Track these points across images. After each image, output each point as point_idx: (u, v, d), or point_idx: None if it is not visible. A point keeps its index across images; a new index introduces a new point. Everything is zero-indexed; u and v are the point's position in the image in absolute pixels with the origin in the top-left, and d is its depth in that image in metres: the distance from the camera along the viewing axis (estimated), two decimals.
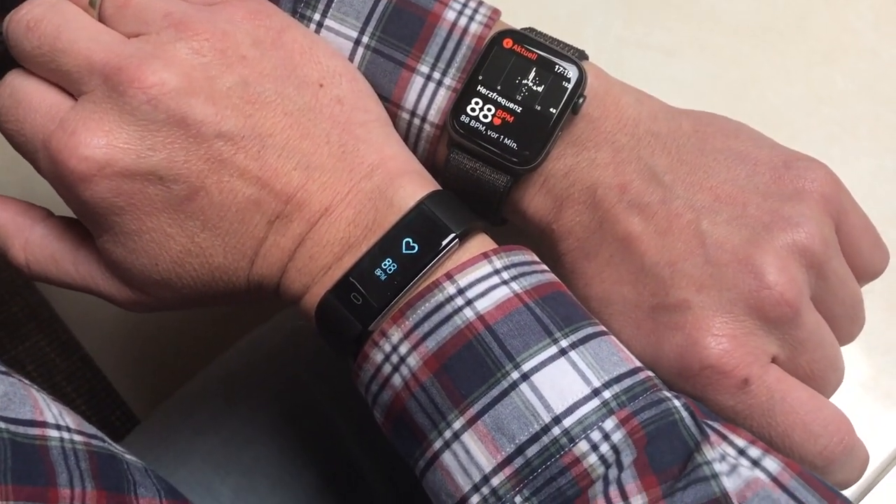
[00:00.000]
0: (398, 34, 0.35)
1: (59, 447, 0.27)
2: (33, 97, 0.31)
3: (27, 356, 0.63)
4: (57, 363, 0.63)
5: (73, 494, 0.26)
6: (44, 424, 0.27)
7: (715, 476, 0.26)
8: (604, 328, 0.30)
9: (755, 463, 0.27)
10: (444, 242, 0.30)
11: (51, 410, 0.28)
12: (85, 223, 0.33)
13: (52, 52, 0.31)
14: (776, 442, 0.31)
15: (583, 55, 0.36)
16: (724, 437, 0.28)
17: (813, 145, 0.37)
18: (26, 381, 0.28)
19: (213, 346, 0.53)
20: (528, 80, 0.34)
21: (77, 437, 0.28)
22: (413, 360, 0.29)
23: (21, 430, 0.26)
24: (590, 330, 0.29)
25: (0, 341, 0.63)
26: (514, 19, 0.37)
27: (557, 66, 0.34)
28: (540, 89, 0.34)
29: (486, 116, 0.34)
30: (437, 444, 0.29)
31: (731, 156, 0.33)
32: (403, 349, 0.29)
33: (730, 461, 0.27)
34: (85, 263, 0.34)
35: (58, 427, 0.28)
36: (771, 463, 0.27)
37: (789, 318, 0.31)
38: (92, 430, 0.29)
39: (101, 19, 0.32)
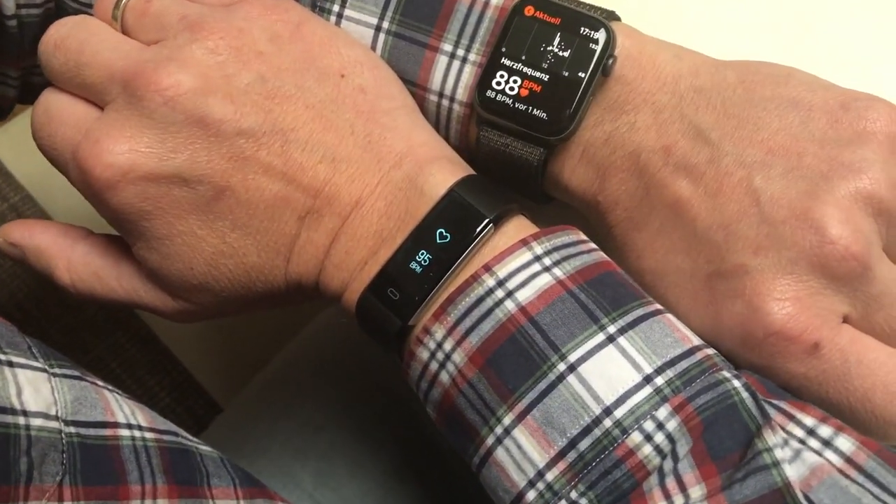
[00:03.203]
0: (418, 15, 0.34)
1: (130, 445, 0.27)
2: (63, 111, 0.32)
3: (109, 354, 0.65)
4: (138, 358, 0.65)
5: (144, 490, 0.27)
6: (115, 425, 0.28)
7: (776, 464, 0.24)
8: (658, 307, 0.29)
9: (826, 443, 0.26)
10: (477, 230, 0.29)
11: (122, 410, 0.28)
12: (119, 232, 0.33)
13: (77, 67, 0.32)
14: (856, 407, 0.29)
15: (612, 16, 0.33)
16: (791, 417, 0.26)
17: (892, 78, 0.34)
18: (99, 383, 0.29)
19: (285, 331, 0.53)
20: (553, 46, 0.32)
21: (148, 435, 0.28)
22: (458, 357, 0.28)
23: (92, 431, 0.27)
24: (640, 311, 0.28)
25: (84, 341, 0.66)
26: None
27: (583, 29, 0.32)
28: (566, 54, 0.32)
29: (512, 89, 0.32)
30: (490, 441, 0.28)
31: (782, 104, 0.31)
32: (448, 346, 0.28)
33: (794, 446, 0.25)
34: (128, 277, 0.34)
35: (129, 426, 0.28)
36: (844, 442, 0.25)
37: (858, 274, 0.29)
38: (165, 425, 0.30)
39: (123, 31, 0.33)
